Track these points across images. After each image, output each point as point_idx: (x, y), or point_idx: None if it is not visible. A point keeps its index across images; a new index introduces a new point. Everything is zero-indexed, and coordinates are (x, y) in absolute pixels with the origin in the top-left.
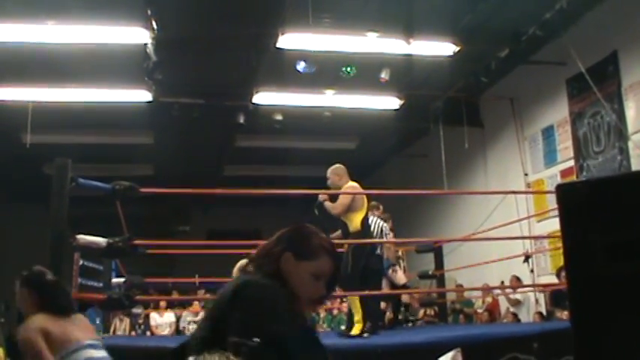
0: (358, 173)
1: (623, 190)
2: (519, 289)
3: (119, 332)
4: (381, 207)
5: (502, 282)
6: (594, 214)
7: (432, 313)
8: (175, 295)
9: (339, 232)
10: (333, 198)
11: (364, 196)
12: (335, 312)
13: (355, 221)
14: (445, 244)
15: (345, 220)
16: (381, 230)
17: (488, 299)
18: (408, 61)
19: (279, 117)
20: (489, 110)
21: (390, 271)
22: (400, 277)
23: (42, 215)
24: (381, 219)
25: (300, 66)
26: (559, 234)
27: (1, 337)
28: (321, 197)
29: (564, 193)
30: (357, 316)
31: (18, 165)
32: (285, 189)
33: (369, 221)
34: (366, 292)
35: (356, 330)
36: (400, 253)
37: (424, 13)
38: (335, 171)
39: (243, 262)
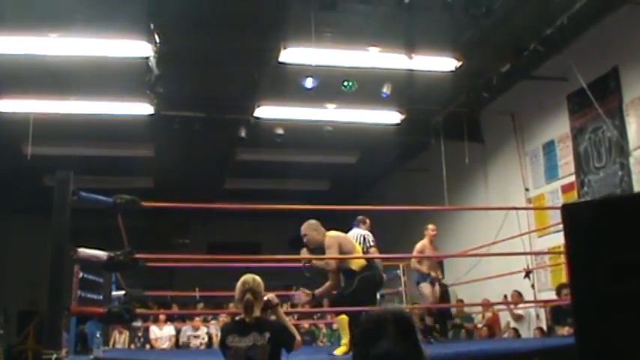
0: (359, 187)
1: (628, 210)
2: (520, 305)
3: (118, 345)
4: (367, 221)
5: (505, 296)
6: (599, 234)
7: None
8: (175, 308)
9: (328, 284)
10: (315, 252)
11: (348, 238)
12: (335, 326)
13: (357, 262)
14: (446, 260)
15: (346, 267)
16: (364, 241)
17: (488, 314)
18: (409, 76)
19: (280, 131)
20: (490, 125)
21: (426, 284)
22: (427, 293)
23: (42, 227)
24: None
25: (309, 82)
26: (560, 249)
27: (0, 349)
28: (309, 262)
29: (569, 213)
30: (345, 339)
31: (18, 176)
32: (285, 203)
33: (352, 234)
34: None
35: (339, 351)
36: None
37: (426, 28)
38: (311, 226)
39: (248, 276)
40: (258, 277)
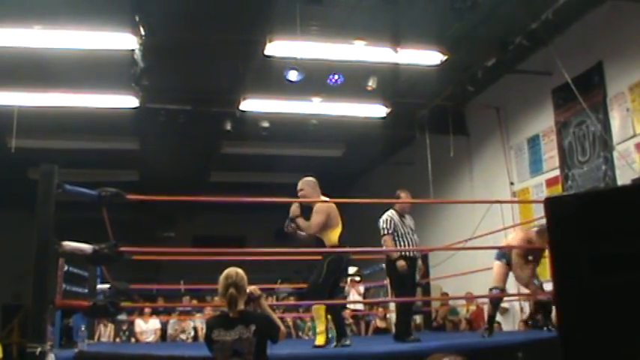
0: (344, 180)
1: (611, 204)
2: (505, 298)
3: (104, 338)
4: (402, 196)
5: (490, 290)
6: (582, 228)
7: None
8: (160, 301)
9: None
10: (306, 212)
11: (338, 213)
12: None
13: (332, 238)
14: (431, 253)
15: (320, 236)
16: (394, 228)
17: (472, 307)
18: (395, 70)
19: (265, 124)
20: (475, 119)
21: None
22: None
23: (26, 220)
24: (399, 214)
25: (292, 75)
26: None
27: None
28: (292, 212)
29: (553, 206)
30: (320, 327)
31: (2, 169)
32: (271, 196)
33: (384, 217)
34: (333, 302)
35: (319, 340)
36: None
37: (411, 22)
38: (308, 183)
39: (231, 270)
40: (241, 271)
